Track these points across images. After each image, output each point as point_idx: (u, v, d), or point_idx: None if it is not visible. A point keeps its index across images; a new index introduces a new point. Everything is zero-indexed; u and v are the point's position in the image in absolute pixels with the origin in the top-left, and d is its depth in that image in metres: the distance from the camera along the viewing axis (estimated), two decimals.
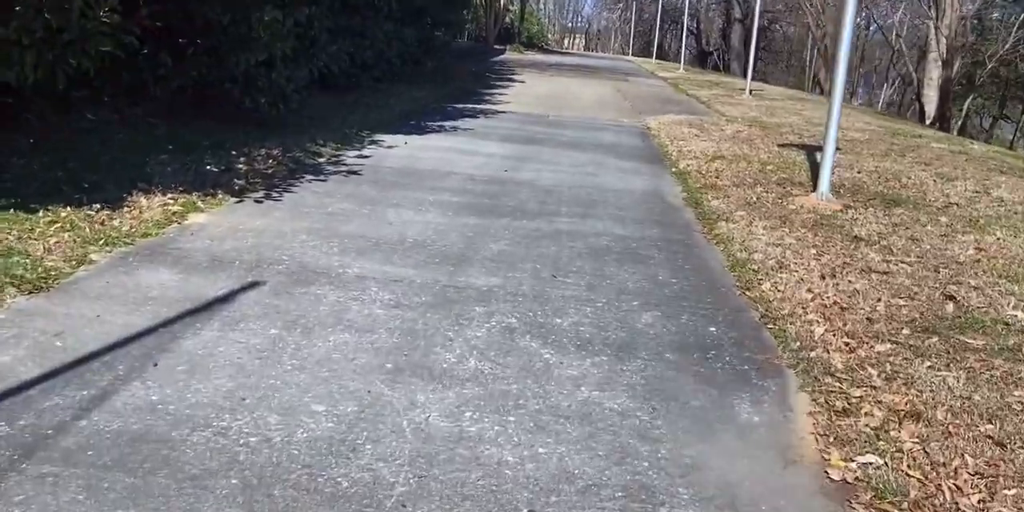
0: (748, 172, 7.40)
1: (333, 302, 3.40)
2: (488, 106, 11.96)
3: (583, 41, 67.77)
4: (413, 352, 3.00)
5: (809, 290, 4.06)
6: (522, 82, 17.65)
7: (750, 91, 17.25)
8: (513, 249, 4.48)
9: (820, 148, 9.21)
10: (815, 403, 2.91)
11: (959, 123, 30.43)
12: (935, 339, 3.53)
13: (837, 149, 6.71)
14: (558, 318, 3.50)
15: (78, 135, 5.68)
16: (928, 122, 24.50)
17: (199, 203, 4.63)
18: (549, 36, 55.61)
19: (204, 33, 6.70)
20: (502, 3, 37.14)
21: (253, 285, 3.46)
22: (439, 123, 9.56)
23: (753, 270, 4.37)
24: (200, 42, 6.78)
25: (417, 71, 14.12)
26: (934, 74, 28.84)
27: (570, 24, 68.24)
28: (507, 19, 42.70)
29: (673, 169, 7.61)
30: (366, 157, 6.91)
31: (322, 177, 5.91)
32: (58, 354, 2.62)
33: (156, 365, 2.64)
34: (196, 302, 3.21)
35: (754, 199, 6.19)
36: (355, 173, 6.20)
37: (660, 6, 38.24)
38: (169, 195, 4.61)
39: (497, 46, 34.52)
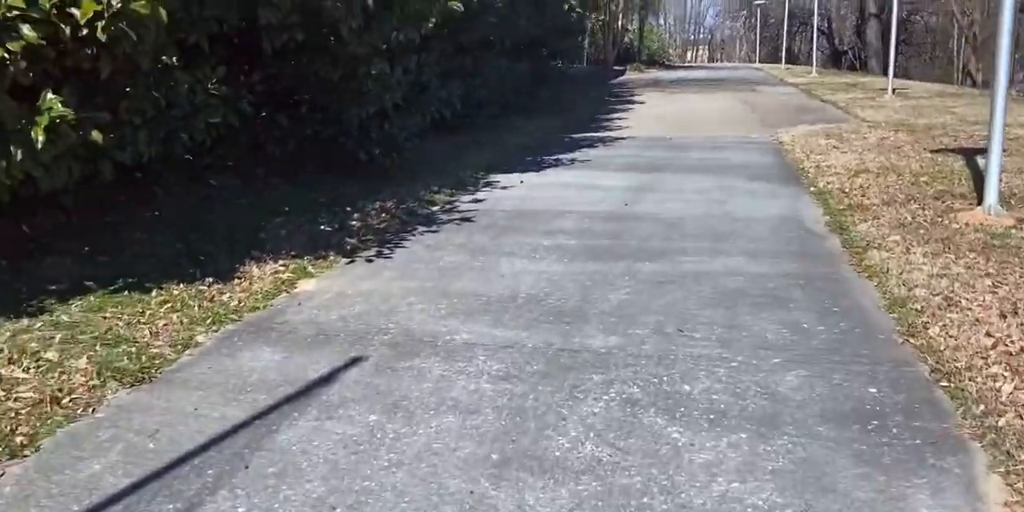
0: (899, 186, 6.65)
1: (437, 377, 3.16)
2: (606, 133, 11.62)
3: (707, 52, 66.28)
4: (522, 437, 2.69)
5: (988, 333, 3.44)
6: (642, 103, 17.21)
7: (893, 90, 15.96)
8: (634, 298, 4.10)
9: (981, 151, 8.23)
10: (1012, 489, 2.36)
11: None
12: None
13: (1003, 151, 5.88)
14: (686, 384, 3.09)
15: (203, 203, 5.83)
16: None
17: (309, 268, 4.56)
18: (671, 51, 54.68)
19: (316, 90, 6.79)
20: (620, 24, 36.87)
21: (355, 361, 3.28)
22: (555, 156, 9.32)
23: (916, 310, 3.76)
24: (313, 100, 6.89)
25: (533, 102, 14.02)
26: None
27: (692, 36, 66.94)
28: (626, 39, 42.34)
29: (812, 188, 6.97)
30: (480, 201, 6.74)
31: (434, 227, 5.77)
32: (150, 459, 2.50)
33: (247, 467, 2.47)
34: (295, 385, 3.05)
35: (909, 219, 5.49)
36: (468, 220, 6.03)
37: (787, 9, 36.66)
38: (280, 262, 4.57)
39: (617, 67, 34.20)
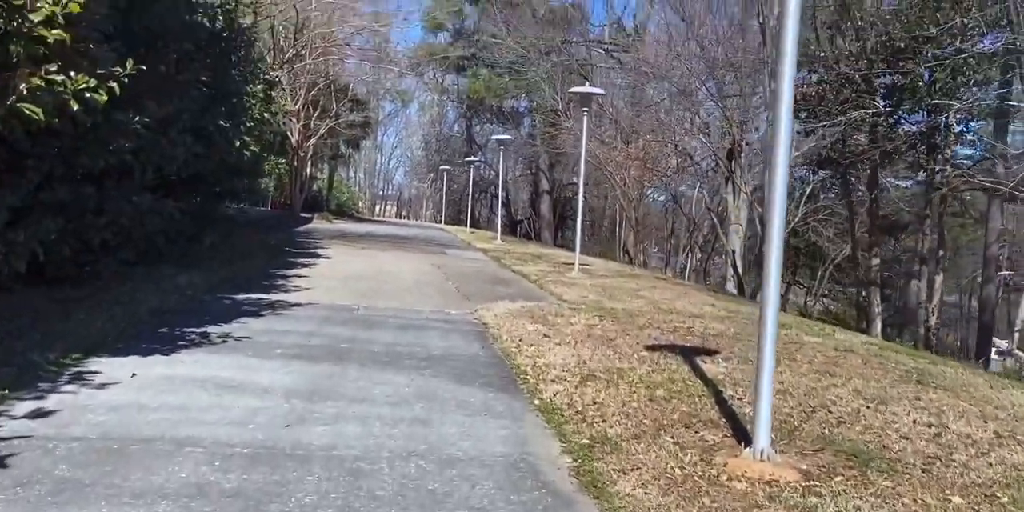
0: (638, 404, 5.36)
1: None
2: (280, 295, 9.47)
3: (395, 208, 67.83)
4: None
5: None
6: (328, 258, 15.39)
7: (579, 266, 16.01)
8: None
9: (697, 351, 7.54)
10: None
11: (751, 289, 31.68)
12: None
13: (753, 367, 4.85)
14: None
15: None
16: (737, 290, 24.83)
17: None
18: (360, 204, 54.79)
19: None
20: (308, 172, 35.65)
21: None
22: (203, 328, 6.93)
23: None
24: None
25: (195, 249, 11.47)
26: (736, 245, 30.18)
27: (381, 192, 68.35)
28: (315, 187, 41.24)
29: (536, 401, 5.42)
30: (45, 415, 4.14)
31: None
32: None
33: None
34: None
35: (675, 470, 4.05)
36: (2, 461, 3.43)
37: (471, 178, 38.48)
38: None
39: (304, 214, 32.48)
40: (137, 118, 7.25)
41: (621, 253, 37.90)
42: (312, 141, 34.13)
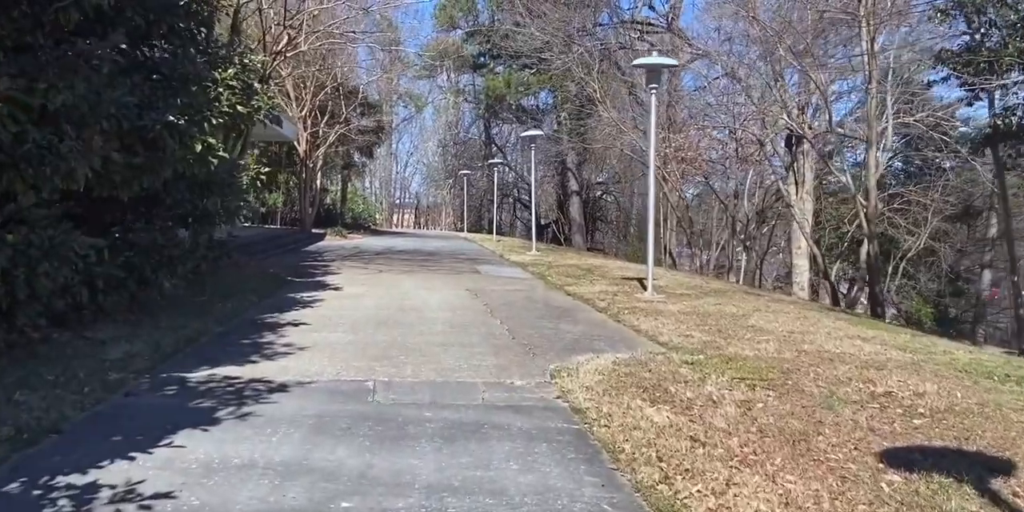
0: None
1: None
2: (261, 366, 6.34)
3: (413, 217, 64.85)
4: None
5: None
6: (337, 288, 12.27)
7: (651, 287, 12.70)
8: None
9: (961, 456, 4.19)
10: None
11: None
12: None
13: None
14: None
15: None
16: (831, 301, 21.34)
17: None
18: (377, 215, 51.87)
19: None
20: (319, 184, 32.70)
21: None
22: (88, 475, 3.79)
23: None
24: None
25: (150, 296, 8.36)
26: (802, 243, 26.74)
27: (398, 201, 65.41)
28: (328, 200, 38.33)
29: None
30: None
31: None
32: None
33: None
34: None
35: None
36: None
37: (495, 182, 35.41)
38: None
39: (316, 230, 29.50)
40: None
41: (665, 256, 34.58)
42: (321, 150, 31.16)
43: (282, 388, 5.69)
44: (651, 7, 32.40)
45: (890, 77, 17.39)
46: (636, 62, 12.09)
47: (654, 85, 11.71)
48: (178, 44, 8.64)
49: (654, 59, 11.64)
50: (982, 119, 32.38)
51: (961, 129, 29.92)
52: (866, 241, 18.26)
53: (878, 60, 15.81)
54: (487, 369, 6.63)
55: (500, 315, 9.93)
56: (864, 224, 16.74)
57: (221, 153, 7.81)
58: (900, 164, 30.75)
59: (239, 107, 8.51)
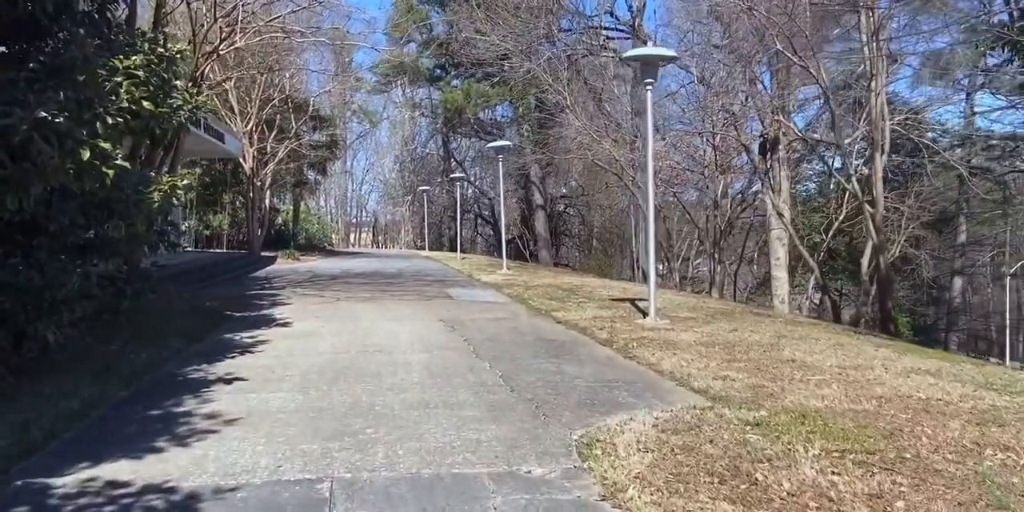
0: None
1: None
2: (163, 456, 4.42)
3: (371, 235, 62.55)
4: None
5: None
6: (285, 325, 10.33)
7: (653, 311, 10.97)
8: None
9: None
10: None
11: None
12: None
13: None
14: None
15: None
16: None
17: None
18: (333, 235, 49.59)
19: None
20: (268, 204, 30.54)
21: None
22: None
23: None
24: None
25: (28, 352, 6.35)
26: (781, 254, 25.43)
27: (355, 220, 63.16)
28: (279, 220, 36.11)
29: None
30: None
31: None
32: None
33: None
34: None
35: None
36: None
37: (458, 198, 33.61)
38: None
39: (266, 253, 27.33)
40: None
41: (637, 271, 33.07)
42: (270, 167, 29.03)
43: (189, 504, 3.79)
44: (611, 14, 31.13)
45: (885, 74, 16.11)
46: (628, 54, 10.45)
47: (650, 80, 10.07)
48: (70, 28, 6.73)
49: (649, 50, 10.01)
50: (954, 124, 31.65)
51: (929, 134, 29.15)
52: (872, 251, 16.85)
53: (883, 51, 14.50)
54: (489, 447, 4.80)
55: (487, 355, 8.10)
56: (872, 233, 15.35)
57: (119, 162, 5.89)
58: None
59: (145, 103, 6.61)
